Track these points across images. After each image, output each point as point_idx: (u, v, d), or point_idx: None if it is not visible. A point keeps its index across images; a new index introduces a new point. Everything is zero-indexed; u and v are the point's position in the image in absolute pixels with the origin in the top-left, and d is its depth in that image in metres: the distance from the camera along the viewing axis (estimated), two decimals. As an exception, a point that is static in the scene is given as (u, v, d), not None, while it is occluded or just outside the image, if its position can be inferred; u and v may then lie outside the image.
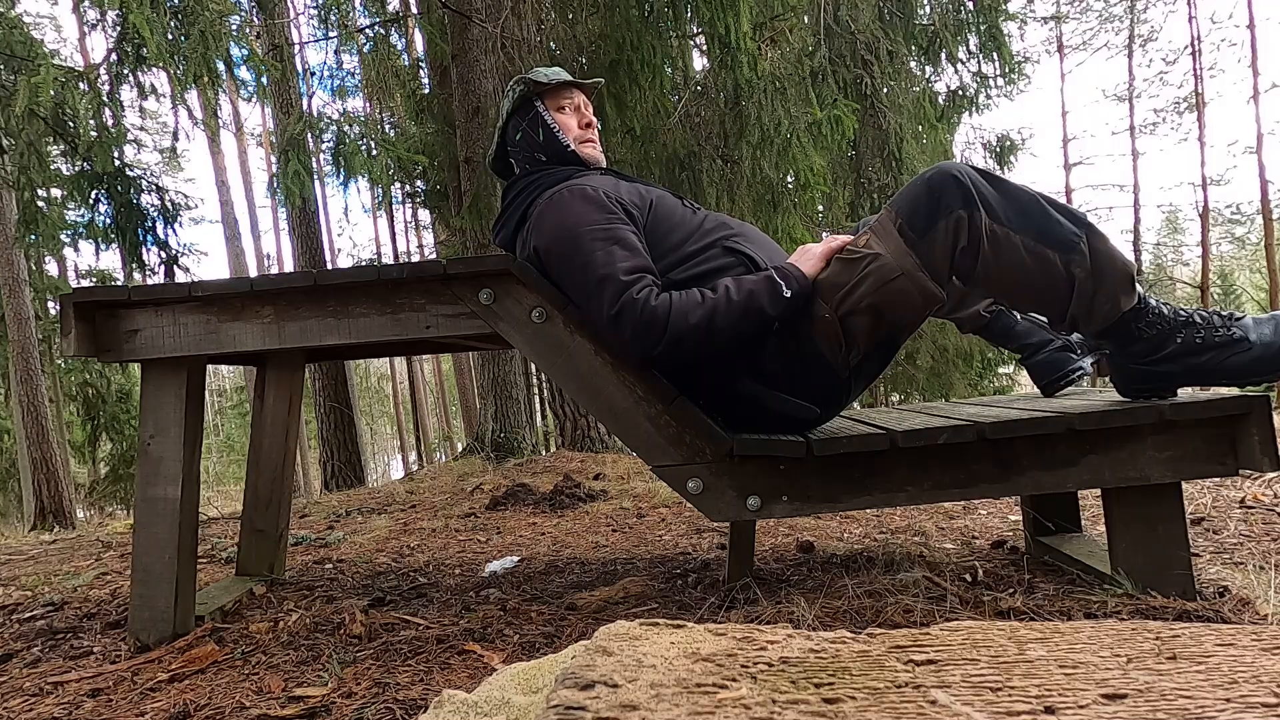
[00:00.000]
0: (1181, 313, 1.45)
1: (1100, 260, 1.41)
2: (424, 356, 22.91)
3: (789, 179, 5.83)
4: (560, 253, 1.53)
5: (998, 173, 1.45)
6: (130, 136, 7.69)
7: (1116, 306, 1.43)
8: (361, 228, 39.98)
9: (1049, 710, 0.55)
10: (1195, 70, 16.19)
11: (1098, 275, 1.41)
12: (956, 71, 7.93)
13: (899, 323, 1.51)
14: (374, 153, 6.42)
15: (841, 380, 1.54)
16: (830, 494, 1.52)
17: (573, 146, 1.73)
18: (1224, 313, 1.45)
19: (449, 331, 1.63)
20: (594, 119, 1.79)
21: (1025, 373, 1.78)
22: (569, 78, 1.78)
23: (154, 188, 6.09)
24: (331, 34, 7.83)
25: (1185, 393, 1.56)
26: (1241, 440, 1.41)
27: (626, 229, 1.54)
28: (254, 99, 6.72)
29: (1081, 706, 0.56)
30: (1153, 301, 1.46)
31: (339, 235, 35.45)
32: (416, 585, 2.10)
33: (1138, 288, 1.45)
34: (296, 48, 8.82)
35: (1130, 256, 1.46)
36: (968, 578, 1.73)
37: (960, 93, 8.06)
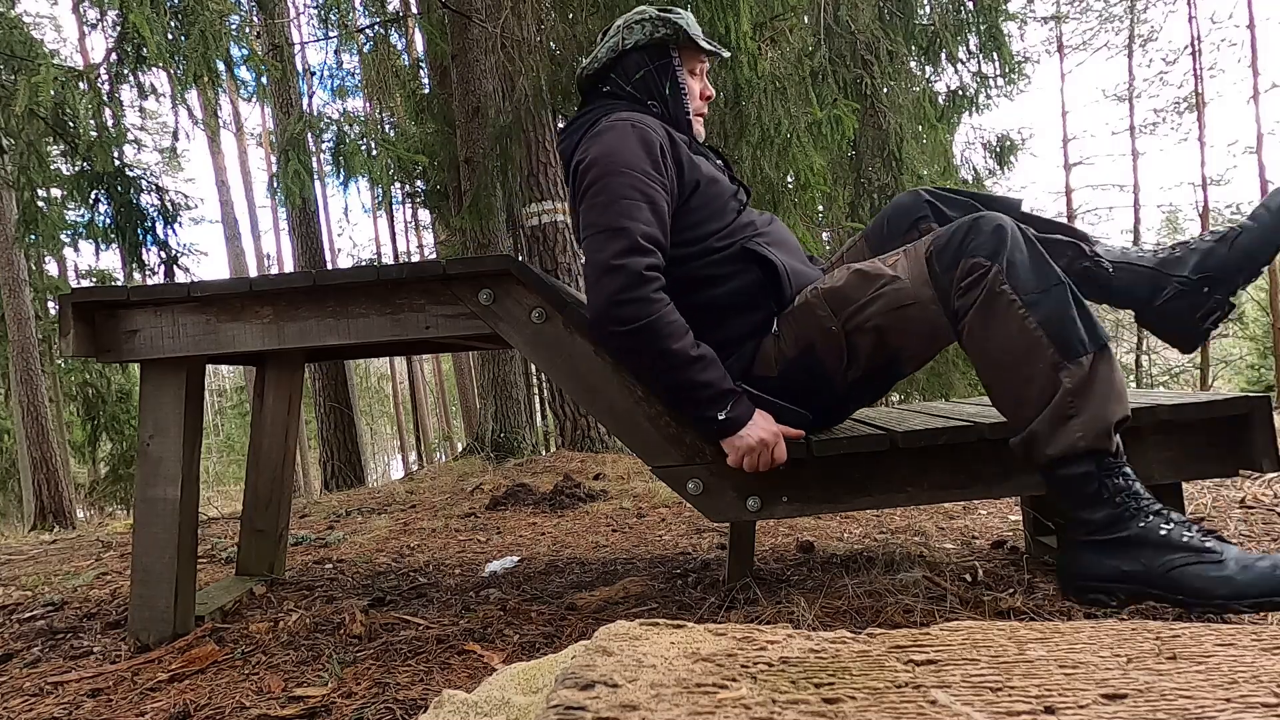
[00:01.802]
0: (1156, 503, 1.26)
1: (1098, 385, 1.24)
2: (424, 356, 22.91)
3: (789, 179, 5.83)
4: (595, 175, 1.48)
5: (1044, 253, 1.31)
6: (130, 136, 7.68)
7: (1089, 444, 1.24)
8: (361, 228, 39.99)
9: (1049, 710, 0.55)
10: (1195, 70, 16.19)
11: (1085, 398, 1.23)
12: (956, 71, 7.93)
13: (903, 351, 1.45)
14: (374, 153, 6.42)
15: (838, 395, 1.51)
16: (830, 494, 1.52)
17: (690, 115, 1.68)
18: (1207, 529, 1.24)
19: (449, 332, 1.63)
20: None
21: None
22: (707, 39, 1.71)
23: (154, 188, 6.09)
24: (331, 34, 7.83)
25: (1185, 393, 1.55)
26: (1242, 440, 1.41)
27: (663, 197, 1.50)
28: (254, 99, 6.72)
29: (1081, 706, 0.56)
30: (1129, 470, 1.27)
31: (339, 235, 35.45)
32: (416, 585, 2.10)
33: (1117, 440, 1.27)
34: (296, 48, 8.82)
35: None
36: (968, 578, 1.73)
37: (960, 93, 8.05)
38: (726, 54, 1.76)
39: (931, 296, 1.35)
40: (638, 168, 1.48)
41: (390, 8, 8.76)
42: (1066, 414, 1.24)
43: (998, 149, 9.52)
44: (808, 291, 1.51)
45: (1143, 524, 1.22)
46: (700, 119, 1.71)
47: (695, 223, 1.56)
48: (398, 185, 10.02)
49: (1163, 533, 1.21)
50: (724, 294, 1.56)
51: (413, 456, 21.48)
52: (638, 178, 1.47)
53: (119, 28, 4.99)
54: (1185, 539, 1.20)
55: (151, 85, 5.28)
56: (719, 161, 1.73)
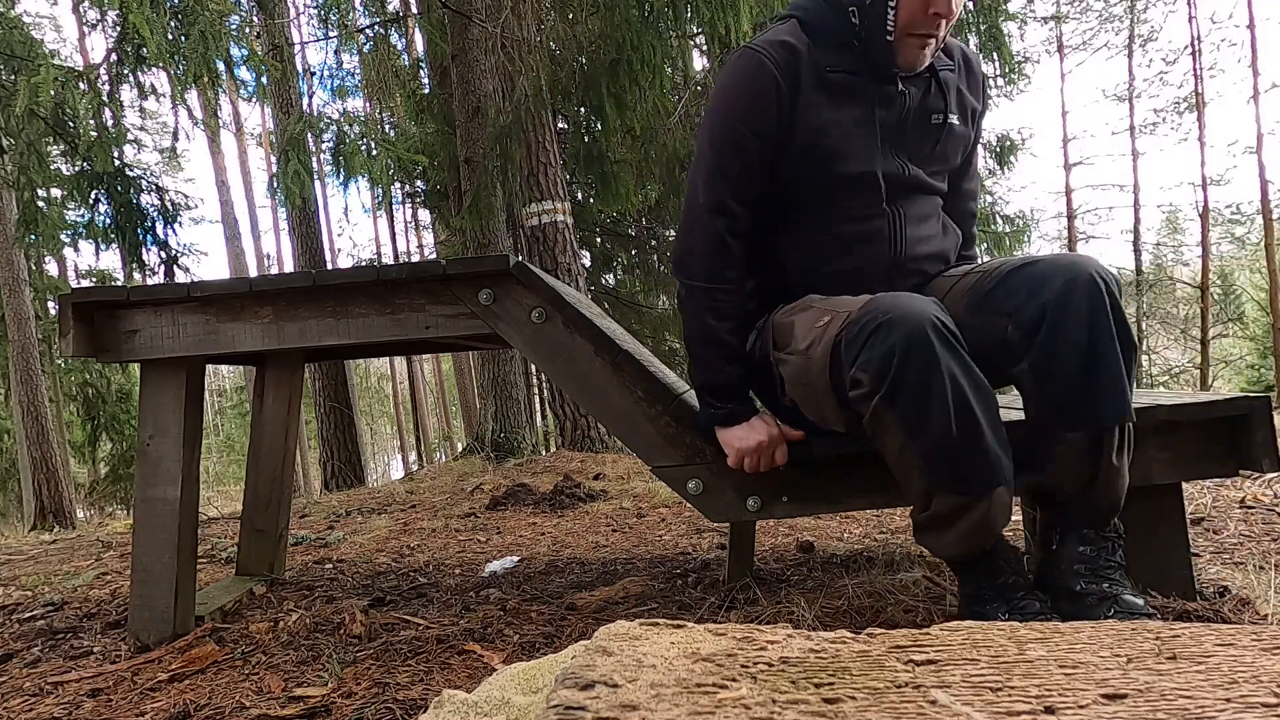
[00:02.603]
0: (1019, 596, 1.25)
1: (971, 520, 1.20)
2: (424, 356, 22.90)
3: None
4: (705, 122, 1.45)
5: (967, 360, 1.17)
6: (130, 136, 7.69)
7: (958, 555, 1.26)
8: (361, 228, 39.98)
9: (1049, 710, 0.55)
10: (1195, 70, 16.19)
11: (956, 525, 1.21)
12: (956, 71, 7.90)
13: (805, 417, 1.40)
14: (374, 153, 6.43)
15: (786, 409, 1.47)
16: (830, 494, 1.52)
17: (893, 36, 1.32)
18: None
19: (448, 332, 1.63)
20: (954, 12, 1.31)
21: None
22: None
23: (154, 188, 6.10)
24: (331, 34, 7.84)
25: (1185, 393, 1.55)
26: (1242, 441, 1.41)
27: (755, 150, 1.38)
28: (254, 99, 6.73)
29: (1081, 706, 0.56)
30: (1005, 569, 1.25)
31: (339, 235, 35.46)
32: (416, 585, 2.10)
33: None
34: (296, 48, 8.82)
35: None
36: (968, 578, 1.73)
37: (960, 92, 8.02)
38: None
39: (826, 386, 1.26)
40: (736, 114, 1.38)
41: (390, 8, 8.76)
42: (939, 526, 1.23)
43: (998, 149, 9.51)
44: (779, 308, 1.46)
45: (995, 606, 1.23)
46: (922, 44, 1.33)
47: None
48: (398, 185, 10.03)
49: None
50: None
51: (413, 456, 21.48)
52: (730, 128, 1.38)
53: (119, 28, 4.99)
54: None
55: (151, 85, 5.28)
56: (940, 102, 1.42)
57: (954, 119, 1.44)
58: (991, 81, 7.80)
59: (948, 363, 1.15)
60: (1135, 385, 1.23)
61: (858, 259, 1.42)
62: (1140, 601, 1.22)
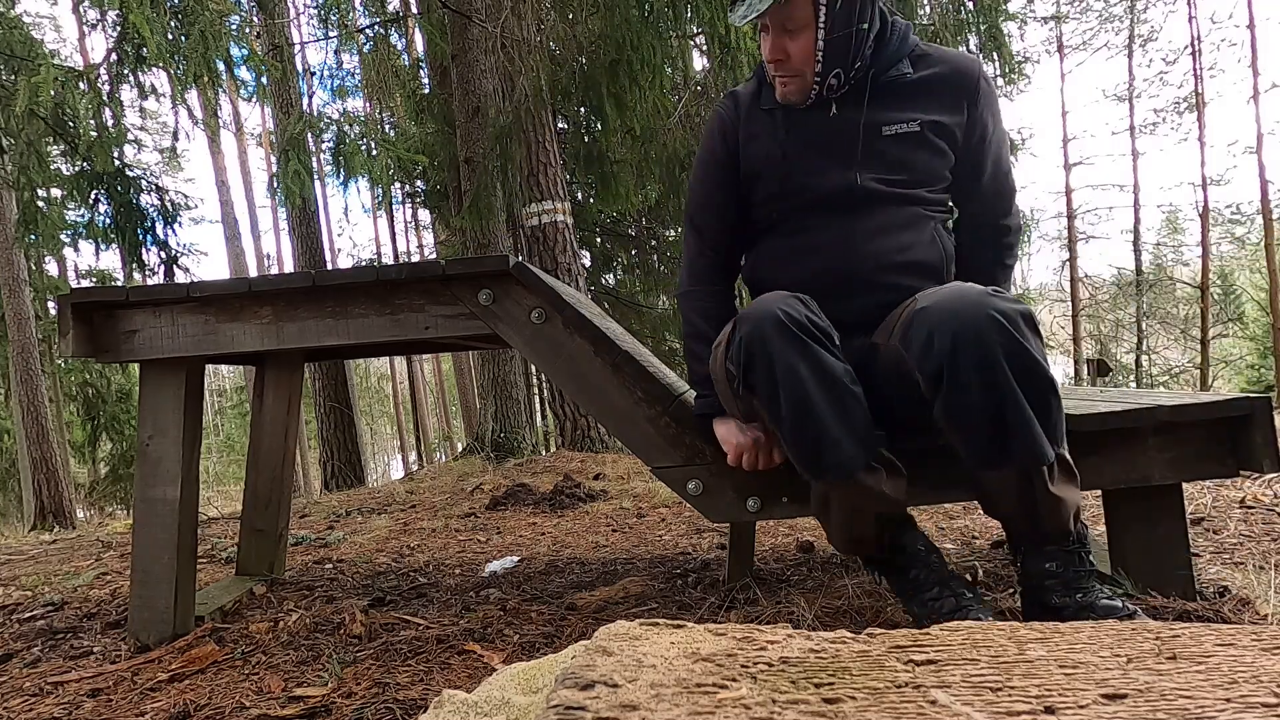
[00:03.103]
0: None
1: (831, 509, 1.33)
2: (424, 356, 22.91)
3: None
4: None
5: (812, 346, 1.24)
6: (130, 136, 7.69)
7: (837, 548, 1.38)
8: (361, 228, 39.95)
9: (1049, 710, 0.55)
10: (1195, 70, 16.19)
11: (824, 514, 1.35)
12: (956, 71, 7.89)
13: (728, 409, 1.48)
14: (374, 153, 6.42)
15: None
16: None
17: (768, 75, 1.52)
18: None
19: (448, 332, 1.63)
20: (782, 58, 1.45)
21: None
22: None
23: (154, 188, 6.10)
24: (331, 34, 7.84)
25: (1185, 393, 1.55)
26: (1242, 441, 1.41)
27: (713, 181, 1.58)
28: (254, 99, 6.73)
29: (1081, 706, 0.56)
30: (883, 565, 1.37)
31: (339, 235, 35.47)
32: (416, 585, 2.10)
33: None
34: (296, 48, 8.82)
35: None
36: (968, 577, 1.73)
37: (960, 92, 8.01)
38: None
39: (723, 378, 1.37)
40: (701, 152, 1.62)
41: (390, 8, 8.76)
42: (821, 515, 1.36)
43: (998, 149, 9.48)
44: None
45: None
46: (779, 81, 1.47)
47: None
48: (398, 185, 10.03)
49: None
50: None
51: (413, 456, 21.48)
52: (698, 164, 1.62)
53: (119, 28, 4.99)
54: None
55: (151, 85, 5.28)
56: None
57: (906, 128, 1.46)
58: (991, 81, 7.79)
59: (785, 354, 1.23)
60: (1052, 417, 1.19)
61: (805, 270, 1.48)
62: (1118, 604, 1.22)
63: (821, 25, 1.40)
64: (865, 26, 1.43)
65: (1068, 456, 1.24)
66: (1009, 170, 1.58)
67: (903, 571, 1.33)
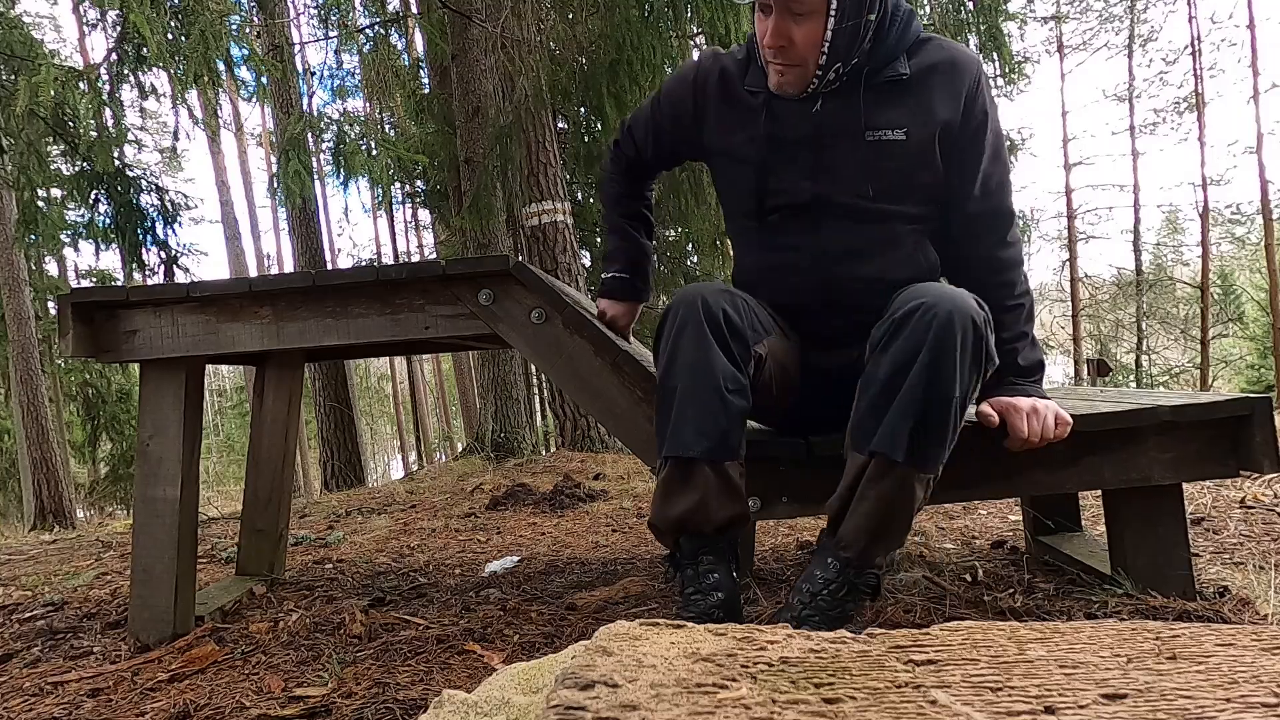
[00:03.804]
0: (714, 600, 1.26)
1: (662, 488, 1.26)
2: (424, 356, 22.90)
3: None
4: None
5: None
6: (130, 136, 7.69)
7: (661, 537, 1.30)
8: (361, 228, 39.91)
9: (1049, 710, 0.55)
10: (1195, 70, 16.19)
11: (658, 494, 1.27)
12: (956, 71, 7.88)
13: None
14: (374, 152, 6.42)
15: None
16: (830, 494, 1.51)
17: (762, 63, 1.41)
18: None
19: (448, 332, 1.63)
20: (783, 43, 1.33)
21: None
22: None
23: (154, 188, 6.10)
24: (331, 34, 7.84)
25: (1186, 393, 1.55)
26: (1243, 441, 1.41)
27: (648, 116, 1.61)
28: (254, 99, 6.72)
29: (1081, 706, 0.56)
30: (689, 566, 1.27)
31: (339, 235, 35.40)
32: (416, 585, 2.10)
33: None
34: (296, 48, 8.82)
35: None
36: (968, 578, 1.73)
37: (960, 92, 8.00)
38: None
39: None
40: (668, 94, 1.57)
41: (390, 8, 8.75)
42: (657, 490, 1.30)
43: (998, 149, 9.48)
44: None
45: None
46: (774, 69, 1.36)
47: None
48: (398, 185, 10.03)
49: None
50: None
51: (413, 456, 21.48)
52: (663, 100, 1.58)
53: (119, 28, 5.00)
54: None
55: (151, 85, 5.28)
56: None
57: (891, 135, 1.36)
58: (992, 82, 7.79)
59: (683, 340, 1.25)
60: (938, 439, 1.16)
61: (783, 289, 1.46)
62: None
63: (833, 13, 1.29)
64: (873, 18, 1.32)
65: (916, 490, 1.18)
66: (1003, 185, 1.42)
67: (676, 569, 1.29)
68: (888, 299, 1.30)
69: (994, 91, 1.45)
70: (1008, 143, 1.43)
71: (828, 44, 1.31)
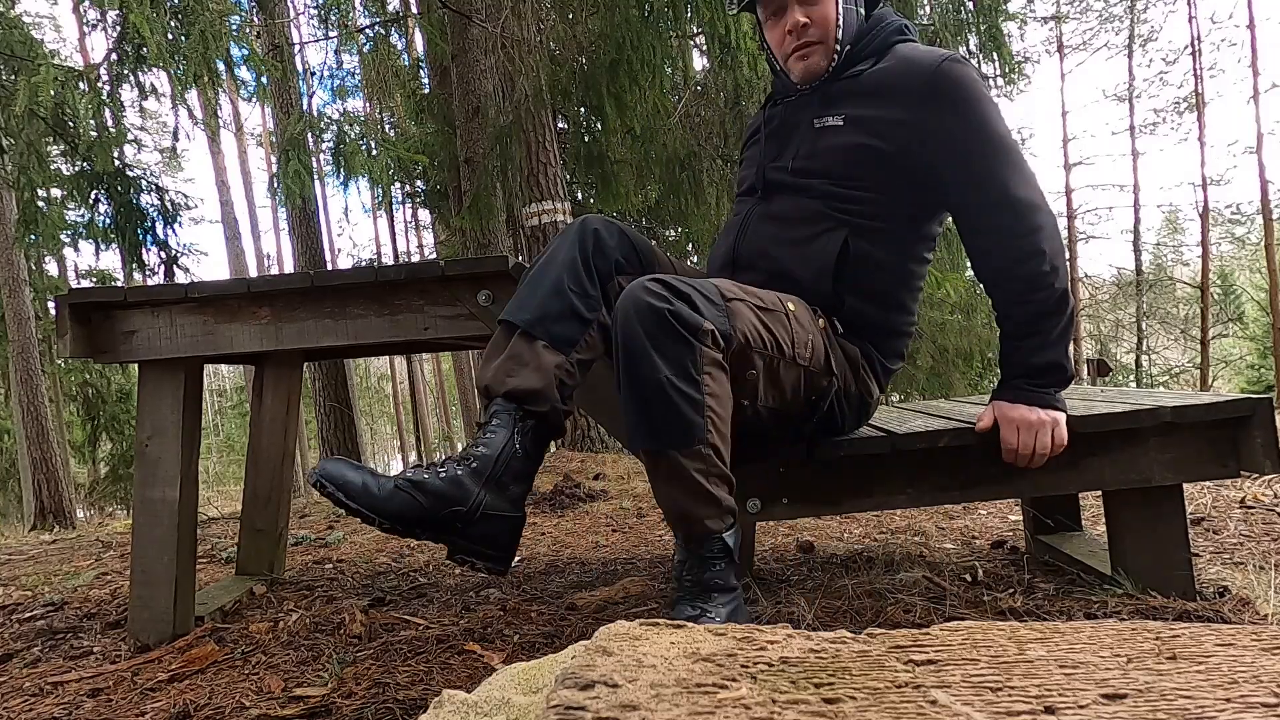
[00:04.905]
0: None
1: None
2: (424, 356, 22.90)
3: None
4: None
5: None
6: (130, 136, 7.69)
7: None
8: (361, 228, 39.93)
9: (1049, 710, 0.55)
10: (1195, 70, 16.19)
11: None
12: (956, 71, 7.87)
13: None
14: (374, 152, 6.42)
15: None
16: (831, 496, 1.51)
17: (782, 66, 1.56)
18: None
19: (447, 333, 1.63)
20: (804, 20, 1.47)
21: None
22: None
23: (154, 188, 6.10)
24: (331, 34, 7.83)
25: (1186, 394, 1.55)
26: (1243, 442, 1.41)
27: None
28: (254, 99, 6.72)
29: (1081, 706, 0.56)
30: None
31: (339, 235, 35.47)
32: (416, 585, 2.10)
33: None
34: (296, 48, 8.81)
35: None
36: (968, 578, 1.73)
37: (960, 92, 7.99)
38: None
39: None
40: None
41: (390, 8, 8.75)
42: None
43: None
44: None
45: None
46: (798, 57, 1.49)
47: None
48: (398, 185, 10.03)
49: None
50: None
51: (413, 456, 21.47)
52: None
53: (119, 28, 4.99)
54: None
55: (151, 85, 5.28)
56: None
57: (832, 121, 1.46)
58: (991, 82, 7.79)
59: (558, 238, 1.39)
60: (673, 414, 1.18)
61: (719, 248, 1.60)
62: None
63: None
64: (861, 11, 1.49)
65: (685, 463, 1.19)
66: (1000, 176, 1.37)
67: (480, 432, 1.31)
68: (771, 267, 1.47)
69: (990, 90, 1.43)
70: (1003, 154, 1.40)
71: (841, 18, 1.46)
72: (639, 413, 1.20)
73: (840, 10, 1.45)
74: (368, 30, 8.02)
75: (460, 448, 1.48)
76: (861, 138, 1.43)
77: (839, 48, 1.46)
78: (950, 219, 1.51)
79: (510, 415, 1.27)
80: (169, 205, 6.09)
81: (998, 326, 1.44)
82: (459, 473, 1.21)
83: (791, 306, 1.37)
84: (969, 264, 1.49)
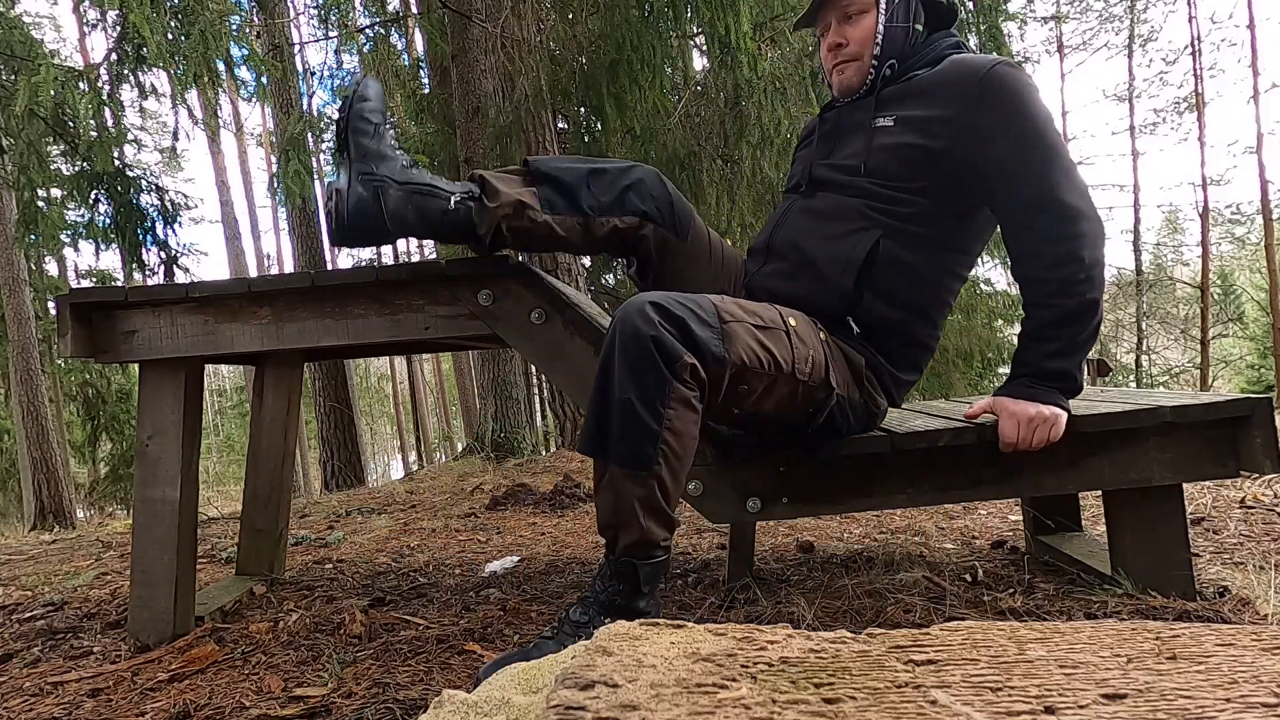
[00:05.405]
0: None
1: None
2: (424, 356, 22.90)
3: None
4: None
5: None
6: (130, 136, 7.68)
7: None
8: (361, 228, 39.76)
9: (1049, 710, 0.55)
10: (1195, 70, 16.18)
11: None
12: (956, 71, 7.87)
13: None
14: (374, 153, 6.40)
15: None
16: (831, 496, 1.52)
17: (829, 80, 1.64)
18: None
19: (448, 333, 1.62)
20: (841, 39, 1.56)
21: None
22: None
23: (154, 188, 6.10)
24: (331, 34, 7.83)
25: (1186, 393, 1.55)
26: (1243, 442, 1.41)
27: None
28: (254, 99, 6.72)
29: (1081, 706, 0.56)
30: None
31: (339, 235, 35.31)
32: (416, 585, 2.10)
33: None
34: (296, 48, 8.82)
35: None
36: (968, 578, 1.73)
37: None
38: None
39: None
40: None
41: (390, 8, 8.75)
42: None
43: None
44: None
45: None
46: (836, 72, 1.58)
47: None
48: (398, 185, 9.97)
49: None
50: None
51: (413, 456, 21.48)
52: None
53: (119, 28, 4.99)
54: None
55: (151, 85, 5.28)
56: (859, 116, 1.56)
57: (883, 122, 1.50)
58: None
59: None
60: (629, 436, 1.19)
61: (759, 237, 1.65)
62: (550, 644, 1.20)
63: (883, 11, 1.51)
64: (920, 28, 1.54)
65: (627, 484, 1.20)
66: (1041, 178, 1.36)
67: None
68: (796, 258, 1.52)
69: (1038, 93, 1.42)
70: (1049, 153, 1.40)
71: (880, 38, 1.52)
72: (597, 419, 1.23)
73: (882, 28, 1.51)
74: (368, 30, 8.02)
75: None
76: (911, 137, 1.45)
77: (875, 64, 1.53)
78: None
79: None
80: (169, 205, 6.09)
81: (1021, 325, 1.43)
82: None
83: (793, 322, 1.37)
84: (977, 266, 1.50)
